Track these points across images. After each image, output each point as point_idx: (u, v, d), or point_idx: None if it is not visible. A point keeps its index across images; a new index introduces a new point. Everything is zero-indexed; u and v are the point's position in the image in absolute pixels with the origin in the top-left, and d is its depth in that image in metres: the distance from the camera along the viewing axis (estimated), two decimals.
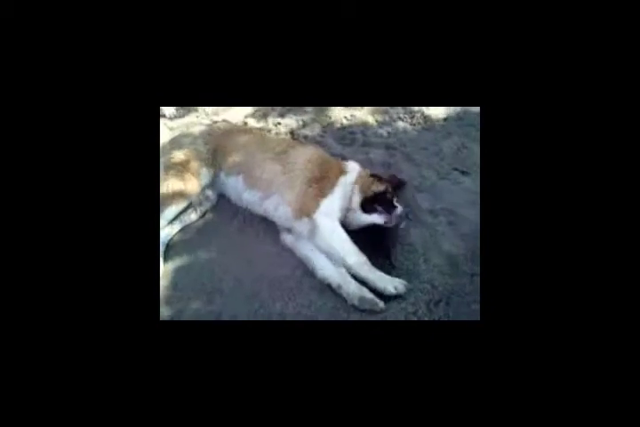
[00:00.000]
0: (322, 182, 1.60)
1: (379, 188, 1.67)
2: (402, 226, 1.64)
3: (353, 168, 1.71)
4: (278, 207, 1.61)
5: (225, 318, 1.38)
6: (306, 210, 1.54)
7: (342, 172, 1.68)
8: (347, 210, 1.63)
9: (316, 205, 1.54)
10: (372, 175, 1.71)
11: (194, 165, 1.69)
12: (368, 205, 1.62)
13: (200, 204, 1.74)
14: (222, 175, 1.74)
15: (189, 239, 1.67)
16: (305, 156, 1.69)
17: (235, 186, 1.70)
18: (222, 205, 1.79)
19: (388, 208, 1.60)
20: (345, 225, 1.64)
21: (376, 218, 1.60)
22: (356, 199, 1.63)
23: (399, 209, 1.60)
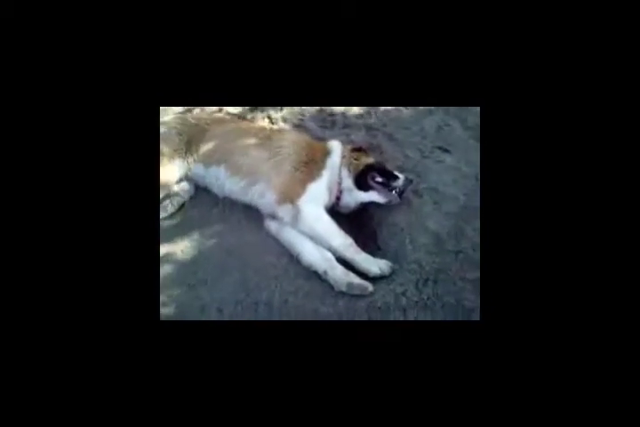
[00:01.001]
0: (309, 166, 1.57)
1: (368, 160, 1.64)
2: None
3: (336, 146, 1.68)
4: (265, 194, 1.56)
5: (210, 308, 1.34)
6: (290, 195, 1.51)
7: (327, 152, 1.64)
8: (340, 191, 1.60)
9: (302, 190, 1.51)
10: (355, 149, 1.68)
11: (167, 155, 1.62)
12: (363, 180, 1.58)
13: (176, 195, 1.68)
14: (201, 166, 1.66)
15: (168, 230, 1.61)
16: (290, 139, 1.66)
17: (216, 176, 1.64)
18: (201, 195, 1.73)
19: (389, 180, 1.56)
20: (343, 206, 1.63)
21: (374, 196, 1.57)
22: (349, 178, 1.60)
23: (401, 179, 1.57)
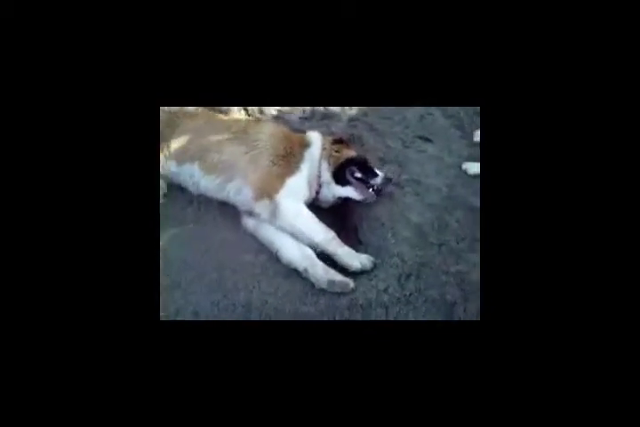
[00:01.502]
0: (287, 159, 1.51)
1: (350, 152, 1.58)
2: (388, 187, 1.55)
3: (315, 138, 1.61)
4: (241, 190, 1.49)
5: (185, 311, 1.29)
6: (267, 190, 1.44)
7: (305, 145, 1.58)
8: (319, 185, 1.55)
9: (281, 185, 1.45)
10: (336, 141, 1.62)
11: None
12: (341, 174, 1.52)
13: None
14: (174, 164, 1.57)
15: None
16: (267, 131, 1.58)
17: (190, 174, 1.55)
18: (174, 193, 1.65)
19: (367, 177, 1.51)
20: (322, 200, 1.57)
21: (351, 192, 1.52)
22: (328, 171, 1.55)
23: (380, 177, 1.52)
